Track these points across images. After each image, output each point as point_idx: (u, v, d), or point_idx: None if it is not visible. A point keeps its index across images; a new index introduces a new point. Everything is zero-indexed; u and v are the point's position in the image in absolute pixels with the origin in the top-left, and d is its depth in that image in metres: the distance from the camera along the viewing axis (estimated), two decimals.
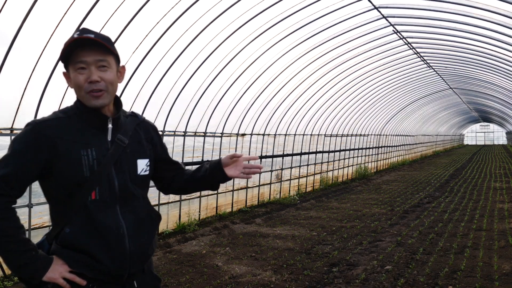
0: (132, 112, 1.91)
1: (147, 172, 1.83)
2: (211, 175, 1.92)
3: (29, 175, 1.63)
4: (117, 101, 1.81)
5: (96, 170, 1.66)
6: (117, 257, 1.67)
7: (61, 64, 5.47)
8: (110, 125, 1.74)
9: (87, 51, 1.65)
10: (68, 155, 1.64)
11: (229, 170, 1.91)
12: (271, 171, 10.85)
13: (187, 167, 2.06)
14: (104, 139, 1.72)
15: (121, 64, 1.80)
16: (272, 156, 10.78)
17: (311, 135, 12.85)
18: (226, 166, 1.92)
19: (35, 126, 1.65)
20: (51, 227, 1.74)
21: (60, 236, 1.66)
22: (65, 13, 4.78)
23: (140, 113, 2.01)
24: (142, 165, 1.81)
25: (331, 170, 14.32)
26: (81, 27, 1.71)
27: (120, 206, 1.72)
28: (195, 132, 8.19)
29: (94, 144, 1.69)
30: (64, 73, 1.75)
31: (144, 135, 1.87)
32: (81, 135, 1.68)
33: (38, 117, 5.09)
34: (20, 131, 1.67)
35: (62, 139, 1.65)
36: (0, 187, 1.57)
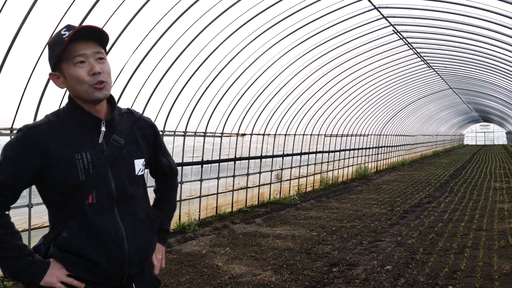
0: (128, 109, 1.85)
1: (143, 172, 1.81)
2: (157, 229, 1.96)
3: (22, 182, 1.61)
4: (111, 99, 1.76)
5: (91, 174, 1.63)
6: (116, 260, 1.65)
7: None
8: (103, 128, 1.70)
9: (85, 44, 1.62)
10: (62, 160, 1.61)
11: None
12: (271, 171, 10.85)
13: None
14: (98, 141, 1.68)
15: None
16: (272, 156, 10.77)
17: (311, 135, 12.85)
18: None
19: (26, 132, 1.61)
20: (49, 230, 1.71)
21: (58, 240, 1.64)
22: (65, 13, 4.78)
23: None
24: (139, 165, 1.77)
25: (331, 170, 14.32)
26: (67, 24, 1.67)
27: (118, 208, 1.69)
28: (195, 132, 8.19)
29: (88, 147, 1.65)
30: (51, 74, 1.68)
31: (140, 133, 1.82)
32: (75, 138, 1.65)
33: (38, 117, 5.11)
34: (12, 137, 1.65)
35: (55, 144, 1.61)
36: None
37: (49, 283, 1.59)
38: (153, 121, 1.93)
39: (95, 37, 1.64)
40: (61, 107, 1.74)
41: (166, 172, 2.00)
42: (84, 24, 4.99)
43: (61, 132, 1.64)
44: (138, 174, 1.77)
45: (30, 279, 1.58)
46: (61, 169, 1.61)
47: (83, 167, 1.63)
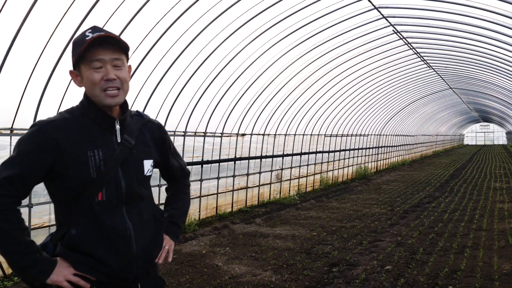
0: (137, 112, 1.90)
1: (151, 173, 1.85)
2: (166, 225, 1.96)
3: (35, 177, 1.62)
4: (123, 102, 1.80)
5: (103, 171, 1.65)
6: (123, 259, 1.67)
7: (61, 65, 5.39)
8: (117, 126, 1.74)
9: (104, 50, 1.65)
10: (75, 156, 1.63)
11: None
12: (271, 171, 10.85)
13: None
14: (111, 140, 1.72)
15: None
16: (272, 156, 10.77)
17: (311, 135, 12.85)
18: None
19: (41, 127, 1.63)
20: (56, 228, 1.72)
21: (66, 238, 1.65)
22: (65, 13, 4.78)
23: None
24: (148, 165, 1.81)
25: (331, 170, 14.31)
26: (93, 26, 1.72)
27: (126, 207, 1.72)
28: (195, 132, 8.19)
29: (101, 145, 1.68)
30: (71, 72, 1.73)
31: (149, 135, 1.87)
32: (88, 136, 1.68)
33: (38, 117, 5.11)
34: (25, 131, 1.64)
35: (69, 140, 1.63)
36: (4, 188, 1.56)
37: (55, 281, 1.60)
38: None
39: (114, 44, 1.67)
40: (75, 104, 1.77)
41: (177, 174, 2.06)
42: (84, 26, 4.99)
43: (75, 128, 1.66)
44: (147, 174, 1.81)
45: (36, 276, 1.58)
46: (73, 165, 1.63)
47: (94, 164, 1.65)
